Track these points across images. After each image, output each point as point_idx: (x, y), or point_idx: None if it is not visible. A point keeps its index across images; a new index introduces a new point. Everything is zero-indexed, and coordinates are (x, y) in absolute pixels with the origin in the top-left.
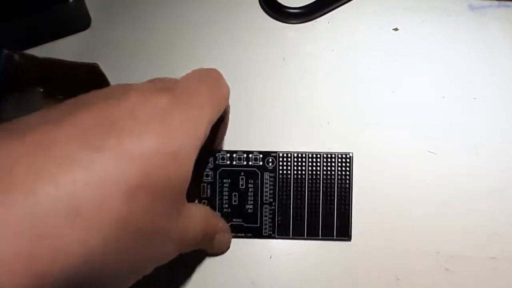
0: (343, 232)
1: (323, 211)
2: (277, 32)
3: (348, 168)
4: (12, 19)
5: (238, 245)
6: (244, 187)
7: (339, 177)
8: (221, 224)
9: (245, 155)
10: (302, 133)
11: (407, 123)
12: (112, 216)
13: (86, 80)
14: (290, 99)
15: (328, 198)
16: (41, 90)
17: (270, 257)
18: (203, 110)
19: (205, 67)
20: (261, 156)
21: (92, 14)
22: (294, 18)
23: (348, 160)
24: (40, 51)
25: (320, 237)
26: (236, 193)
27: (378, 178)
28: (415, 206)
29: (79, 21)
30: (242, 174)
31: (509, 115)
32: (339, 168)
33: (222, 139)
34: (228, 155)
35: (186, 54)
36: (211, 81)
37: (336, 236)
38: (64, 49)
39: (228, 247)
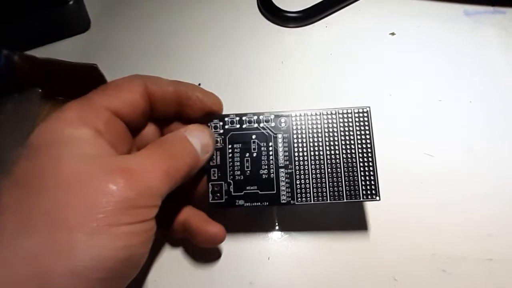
0: (370, 192)
1: (345, 171)
2: (276, 36)
3: (366, 123)
4: (12, 21)
5: (237, 245)
6: (256, 151)
7: (358, 133)
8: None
9: (255, 117)
10: None
11: (404, 126)
12: None
13: (86, 80)
14: (288, 101)
15: (349, 156)
16: (40, 91)
17: (268, 258)
18: (153, 198)
19: (203, 70)
20: (272, 117)
21: (91, 16)
22: (293, 22)
23: (365, 114)
24: (40, 52)
25: (345, 200)
26: (249, 159)
27: None
28: (412, 208)
29: (78, 23)
30: (253, 137)
31: (505, 118)
32: (357, 124)
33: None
34: (238, 118)
35: (184, 56)
36: (168, 152)
37: (363, 198)
38: (64, 51)
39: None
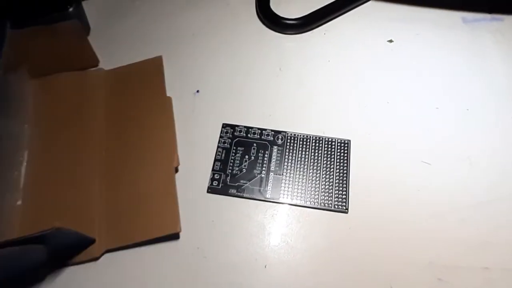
0: (341, 206)
1: (322, 185)
2: (274, 42)
3: (346, 152)
4: (14, 27)
5: (234, 254)
6: (254, 155)
7: (338, 158)
8: None
9: (259, 131)
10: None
11: (402, 133)
12: None
13: (68, 41)
14: (286, 108)
15: (328, 174)
16: (26, 70)
17: (265, 266)
18: None
19: (202, 76)
20: (272, 133)
21: (91, 22)
22: (291, 29)
23: (346, 145)
24: None
25: (318, 207)
26: (247, 160)
27: (373, 188)
28: (408, 216)
29: None
30: (254, 145)
31: (501, 126)
32: (338, 151)
33: None
34: (245, 129)
35: (183, 63)
36: None
37: (334, 208)
38: None
39: None
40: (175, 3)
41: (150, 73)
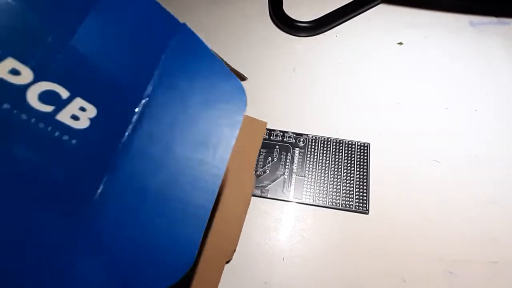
0: (362, 207)
1: (343, 186)
2: (288, 45)
3: (365, 154)
4: None
5: (253, 247)
6: (277, 157)
7: (358, 161)
8: None
9: (281, 134)
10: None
11: (412, 133)
12: None
13: None
14: (303, 111)
15: (349, 176)
16: None
17: (283, 259)
18: None
19: None
20: (294, 135)
21: None
22: (304, 32)
23: (365, 148)
24: None
25: (340, 208)
26: (270, 161)
27: (385, 185)
28: (420, 212)
29: None
30: (277, 147)
31: (508, 126)
32: (358, 154)
33: None
34: (267, 132)
35: None
36: None
37: (355, 209)
38: None
39: None
40: (188, 6)
41: (250, 136)
